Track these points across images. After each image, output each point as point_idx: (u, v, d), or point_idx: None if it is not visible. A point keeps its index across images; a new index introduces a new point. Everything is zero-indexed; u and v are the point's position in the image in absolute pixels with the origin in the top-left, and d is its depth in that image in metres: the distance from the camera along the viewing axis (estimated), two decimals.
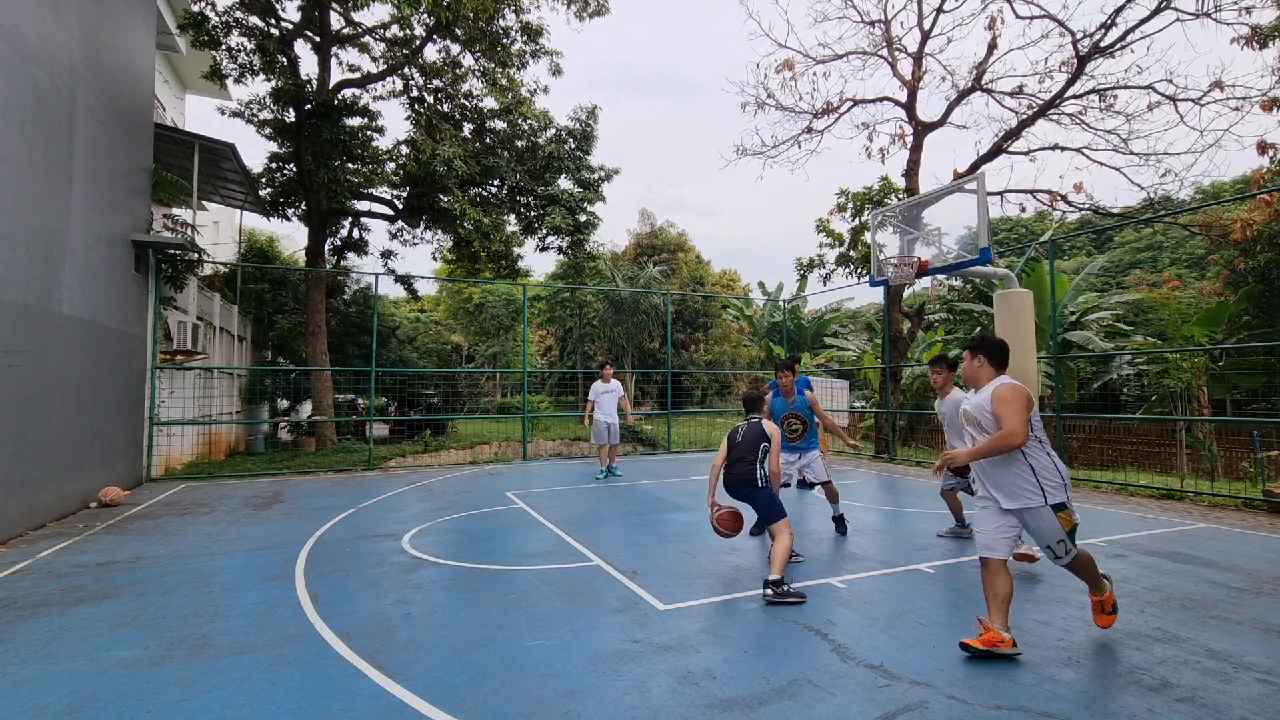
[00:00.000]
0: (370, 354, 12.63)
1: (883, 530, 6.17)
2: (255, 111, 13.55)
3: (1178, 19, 10.66)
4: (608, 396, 9.67)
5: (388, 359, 19.04)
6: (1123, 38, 11.21)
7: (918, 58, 13.44)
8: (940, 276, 15.48)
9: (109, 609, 3.91)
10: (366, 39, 13.59)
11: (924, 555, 5.09)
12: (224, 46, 11.71)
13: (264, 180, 14.73)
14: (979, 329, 19.84)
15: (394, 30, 13.30)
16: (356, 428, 16.35)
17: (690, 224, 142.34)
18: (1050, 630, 3.46)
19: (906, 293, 16.35)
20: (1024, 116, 12.62)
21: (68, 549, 5.48)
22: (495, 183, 15.40)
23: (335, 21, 13.16)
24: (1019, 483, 3.19)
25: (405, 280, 17.00)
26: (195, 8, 11.62)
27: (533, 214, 15.61)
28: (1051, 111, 12.32)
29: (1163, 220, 15.39)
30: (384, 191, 15.46)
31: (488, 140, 14.69)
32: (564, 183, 15.64)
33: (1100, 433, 14.08)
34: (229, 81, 12.16)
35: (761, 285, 30.96)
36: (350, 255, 16.96)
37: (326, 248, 15.27)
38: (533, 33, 13.73)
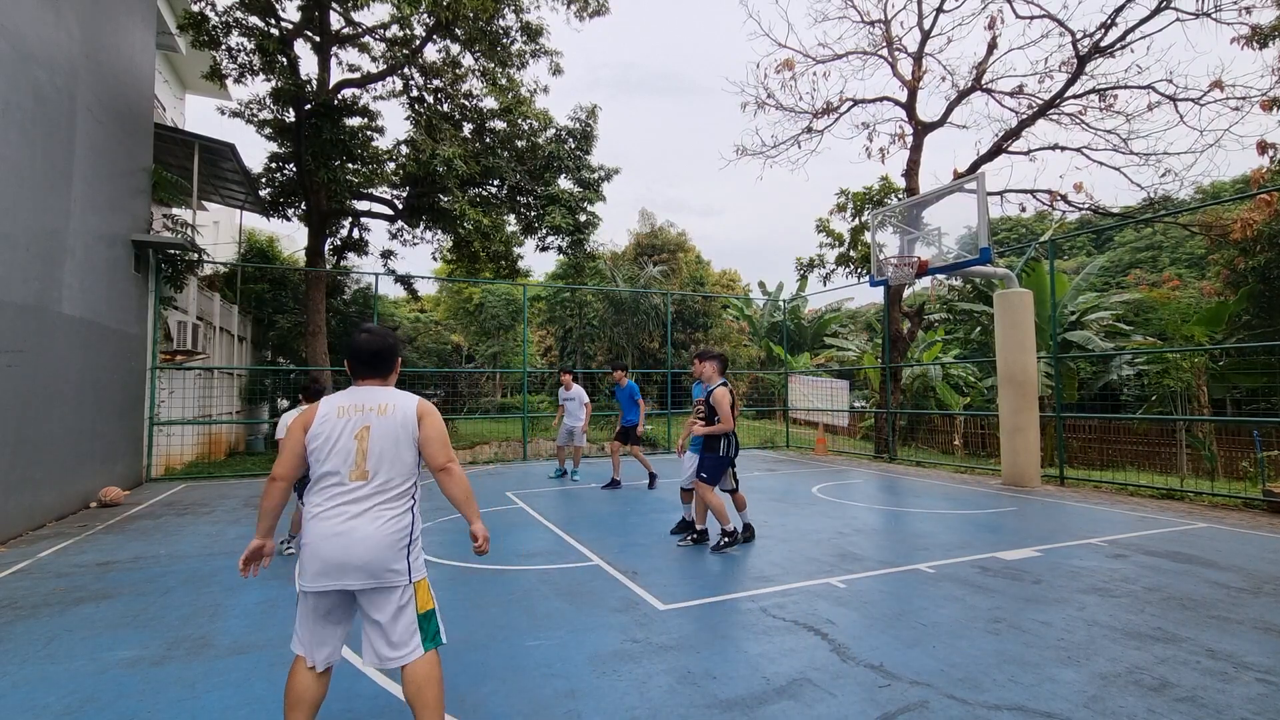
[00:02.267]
0: None
1: (883, 530, 6.17)
2: (255, 111, 13.55)
3: (1178, 19, 10.67)
4: (569, 403, 9.46)
5: None
6: (1123, 38, 11.22)
7: (918, 58, 13.45)
8: (940, 276, 15.49)
9: (109, 609, 3.91)
10: (366, 39, 13.58)
11: (924, 555, 5.09)
12: (224, 46, 11.70)
13: (264, 180, 14.72)
14: (979, 329, 19.85)
15: (394, 30, 13.30)
16: None
17: (690, 224, 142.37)
18: (1050, 630, 3.46)
19: (906, 293, 16.35)
20: (1024, 116, 12.63)
21: (68, 549, 5.48)
22: (495, 183, 15.40)
23: (335, 21, 13.15)
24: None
25: (405, 280, 17.00)
26: (195, 8, 11.61)
27: (533, 214, 15.61)
28: (1051, 111, 12.33)
29: (1163, 220, 15.40)
30: (384, 191, 15.46)
31: (488, 140, 14.69)
32: (564, 183, 15.64)
33: (1100, 433, 14.08)
34: (229, 81, 12.15)
35: (762, 285, 30.97)
36: (350, 255, 16.96)
37: (326, 248, 15.27)
38: (533, 33, 13.73)
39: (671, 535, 5.83)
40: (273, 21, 12.00)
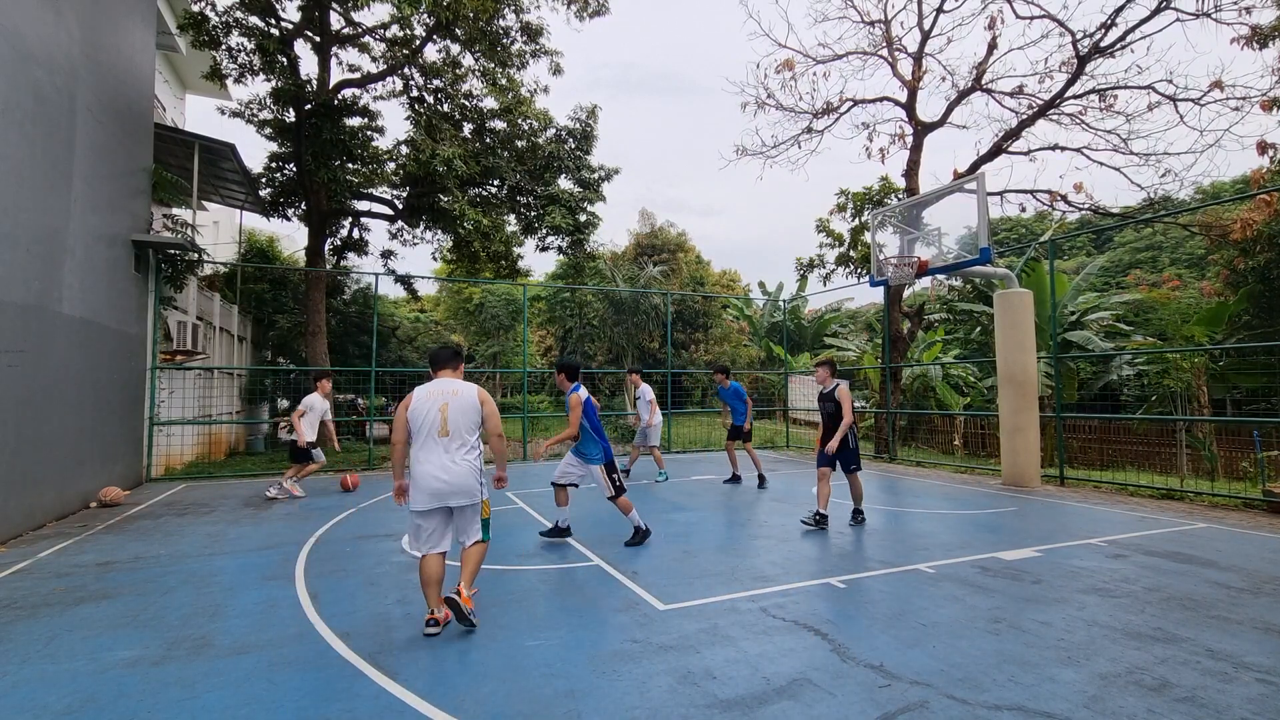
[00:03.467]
0: (370, 354, 12.65)
1: (883, 530, 6.17)
2: (255, 111, 13.55)
3: (1178, 19, 10.68)
4: (639, 402, 9.47)
5: (388, 359, 19.05)
6: (1123, 38, 11.23)
7: (918, 58, 13.45)
8: (940, 276, 15.49)
9: (109, 609, 3.91)
10: (366, 39, 13.59)
11: (924, 555, 5.09)
12: (224, 46, 11.71)
13: (264, 180, 14.73)
14: (979, 329, 19.85)
15: (394, 30, 13.30)
16: (357, 428, 16.35)
17: (690, 224, 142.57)
18: (1050, 630, 3.46)
19: (906, 293, 16.35)
20: (1024, 116, 12.63)
21: (68, 549, 5.48)
22: (495, 183, 15.40)
23: (335, 21, 13.16)
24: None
25: (405, 280, 17.00)
26: (195, 8, 11.62)
27: (533, 214, 15.61)
28: (1051, 111, 12.33)
29: (1163, 220, 15.40)
30: (384, 191, 15.47)
31: (488, 140, 14.69)
32: (564, 183, 15.64)
33: (1100, 433, 14.07)
34: (229, 81, 12.16)
35: (761, 285, 30.97)
36: (350, 255, 16.97)
37: (326, 248, 15.27)
38: (533, 33, 13.74)
39: (542, 535, 5.67)
40: (273, 21, 12.00)
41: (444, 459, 3.51)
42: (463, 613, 3.43)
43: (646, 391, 9.30)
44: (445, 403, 3.58)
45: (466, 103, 14.42)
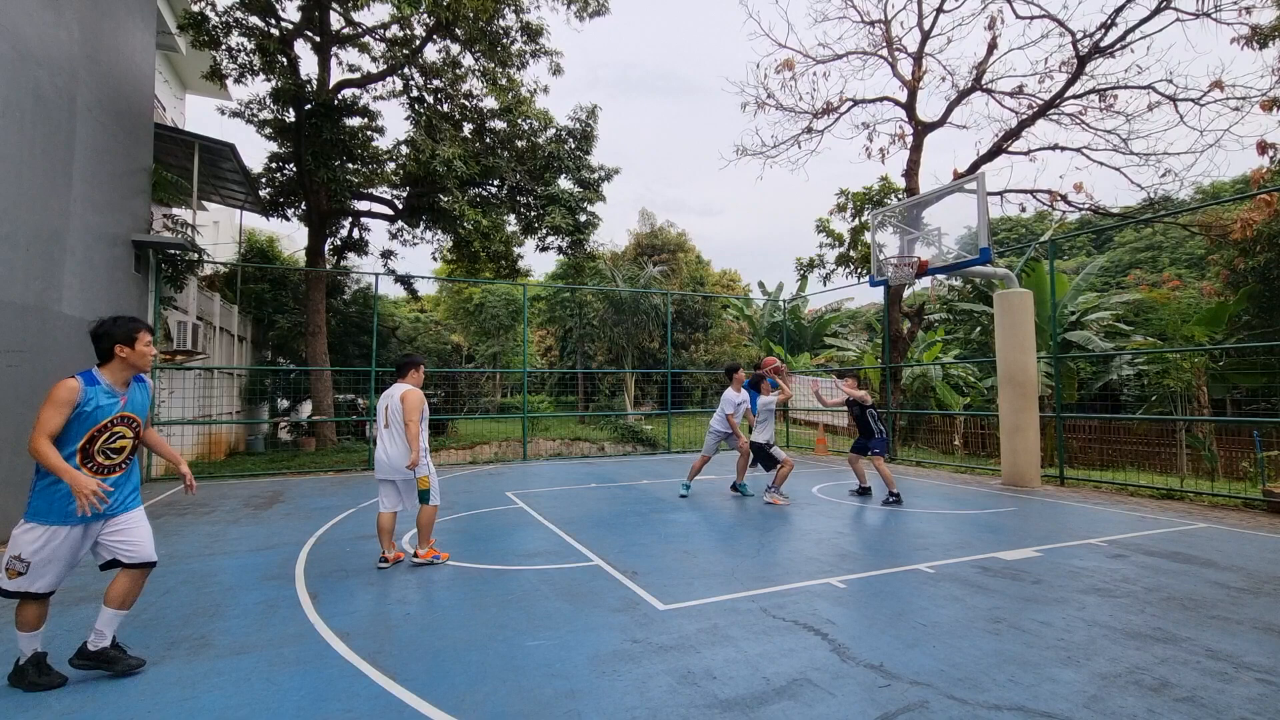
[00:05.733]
0: (370, 354, 12.64)
1: (883, 530, 6.17)
2: (255, 111, 13.55)
3: (1178, 19, 10.68)
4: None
5: (388, 359, 19.01)
6: (1123, 38, 11.23)
7: (918, 58, 13.46)
8: (940, 276, 15.49)
9: None
10: (366, 39, 13.59)
11: (924, 555, 5.09)
12: (224, 46, 11.71)
13: (264, 180, 14.72)
14: (979, 329, 19.85)
15: (394, 30, 13.31)
16: (356, 428, 16.35)
17: (689, 224, 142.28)
18: (1050, 630, 3.46)
19: (906, 293, 16.35)
20: (1024, 116, 12.63)
21: None
22: (495, 183, 15.40)
23: (335, 21, 13.16)
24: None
25: (405, 280, 16.99)
26: (195, 8, 11.62)
27: (533, 214, 15.61)
28: (1051, 111, 12.34)
29: (1163, 220, 15.40)
30: (384, 191, 15.47)
31: (488, 140, 14.69)
32: (564, 182, 15.64)
33: (1100, 433, 14.08)
34: (229, 81, 12.16)
35: (761, 285, 30.96)
36: (350, 255, 16.96)
37: (326, 248, 15.27)
38: (533, 32, 13.73)
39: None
40: (273, 21, 12.00)
41: (384, 445, 4.83)
42: (417, 564, 4.86)
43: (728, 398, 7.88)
44: (388, 404, 4.86)
45: (466, 103, 14.42)
